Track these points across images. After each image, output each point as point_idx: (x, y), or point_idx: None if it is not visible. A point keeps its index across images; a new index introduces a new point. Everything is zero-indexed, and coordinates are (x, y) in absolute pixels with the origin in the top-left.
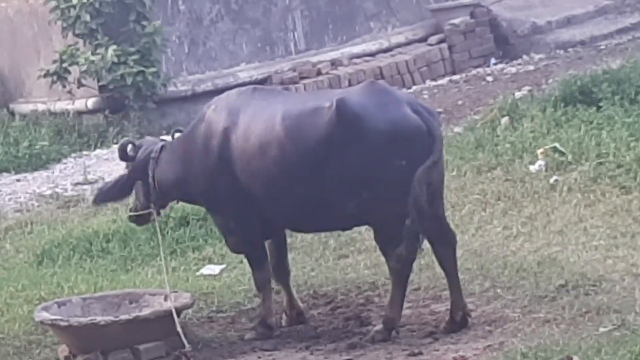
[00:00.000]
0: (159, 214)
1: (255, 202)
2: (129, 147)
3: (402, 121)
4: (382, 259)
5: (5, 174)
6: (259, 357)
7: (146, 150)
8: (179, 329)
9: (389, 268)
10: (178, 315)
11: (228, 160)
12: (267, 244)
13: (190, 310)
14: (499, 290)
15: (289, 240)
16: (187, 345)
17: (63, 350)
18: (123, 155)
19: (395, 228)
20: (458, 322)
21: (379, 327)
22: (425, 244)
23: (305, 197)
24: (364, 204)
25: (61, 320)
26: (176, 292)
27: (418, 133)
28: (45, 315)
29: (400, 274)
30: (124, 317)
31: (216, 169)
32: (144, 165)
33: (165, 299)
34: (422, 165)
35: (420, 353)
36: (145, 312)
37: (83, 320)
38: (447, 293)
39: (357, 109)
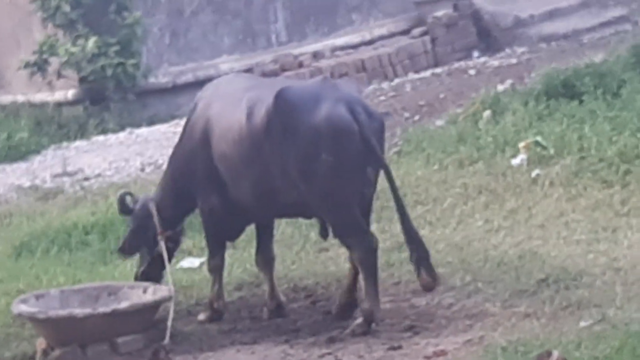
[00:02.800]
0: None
1: (225, 187)
2: (128, 198)
3: (331, 118)
4: None
5: None
6: (238, 351)
7: (142, 201)
8: (169, 322)
9: (354, 260)
10: (157, 309)
11: (207, 144)
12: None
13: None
14: (479, 284)
15: None
16: (167, 338)
17: (41, 343)
18: (123, 208)
19: (339, 219)
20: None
21: (359, 320)
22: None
23: (258, 183)
24: (303, 195)
25: (39, 312)
26: (155, 285)
27: (346, 132)
28: (23, 308)
29: (367, 264)
30: (102, 309)
31: (198, 152)
32: (144, 214)
33: (145, 292)
34: (355, 161)
35: (400, 347)
36: (124, 305)
37: (61, 312)
38: None
39: (292, 102)
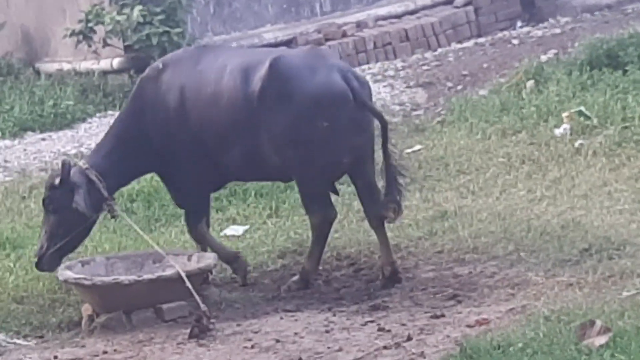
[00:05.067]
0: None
1: (207, 152)
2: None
3: (328, 85)
4: (405, 221)
5: (30, 133)
6: (282, 318)
7: (75, 170)
8: (188, 284)
9: (310, 225)
10: (201, 277)
11: (184, 112)
12: None
13: (213, 271)
14: (522, 254)
15: None
16: (202, 305)
17: (87, 309)
18: (67, 175)
19: (311, 185)
20: (388, 277)
21: (296, 277)
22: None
23: (244, 147)
24: (287, 160)
25: (85, 279)
26: (200, 253)
27: (342, 98)
28: (69, 274)
29: (321, 232)
30: (147, 276)
31: (173, 122)
32: (82, 182)
33: (189, 259)
34: (346, 129)
35: (443, 315)
36: (169, 272)
37: (106, 279)
38: (470, 256)
39: (287, 69)
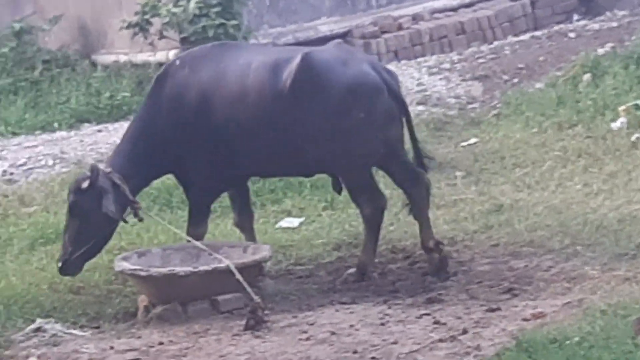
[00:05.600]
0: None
1: (228, 150)
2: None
3: (362, 77)
4: (462, 214)
5: (86, 125)
6: (337, 310)
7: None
8: (238, 276)
9: (362, 216)
10: (257, 268)
11: (206, 110)
12: (230, 191)
13: (269, 263)
14: (578, 248)
15: None
16: (255, 297)
17: (143, 300)
18: (95, 180)
19: (355, 177)
20: (432, 247)
21: (352, 270)
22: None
23: (274, 142)
24: (324, 153)
25: (141, 270)
26: (256, 244)
27: (376, 89)
28: (125, 265)
29: (373, 222)
30: (203, 268)
31: (191, 120)
32: (108, 186)
33: (245, 251)
34: (381, 119)
35: (499, 309)
36: (224, 264)
37: (162, 270)
38: (526, 249)
39: (320, 63)
